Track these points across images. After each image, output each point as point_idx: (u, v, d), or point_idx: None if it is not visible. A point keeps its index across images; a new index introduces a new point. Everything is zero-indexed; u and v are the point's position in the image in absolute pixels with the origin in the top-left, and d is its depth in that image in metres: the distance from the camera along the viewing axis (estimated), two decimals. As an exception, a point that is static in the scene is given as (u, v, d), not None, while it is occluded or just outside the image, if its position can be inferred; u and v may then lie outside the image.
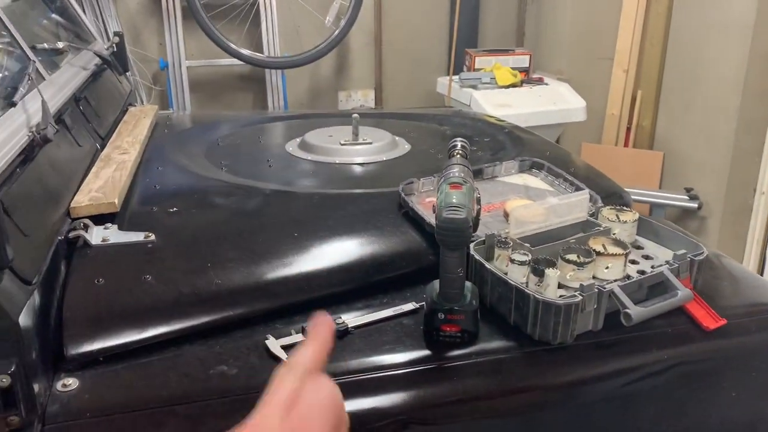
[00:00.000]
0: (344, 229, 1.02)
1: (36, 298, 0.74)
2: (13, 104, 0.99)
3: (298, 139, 1.53)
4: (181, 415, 0.71)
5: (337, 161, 1.41)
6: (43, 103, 1.03)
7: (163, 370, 0.77)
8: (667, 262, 0.92)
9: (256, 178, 1.26)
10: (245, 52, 3.27)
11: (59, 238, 0.91)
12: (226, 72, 3.59)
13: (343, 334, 0.85)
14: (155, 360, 0.79)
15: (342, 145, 1.45)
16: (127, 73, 1.96)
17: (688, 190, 2.87)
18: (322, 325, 0.54)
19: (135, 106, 1.76)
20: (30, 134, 0.96)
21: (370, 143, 1.46)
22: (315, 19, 3.46)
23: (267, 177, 1.31)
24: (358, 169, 1.40)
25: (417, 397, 0.78)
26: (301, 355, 0.51)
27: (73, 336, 0.77)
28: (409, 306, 0.91)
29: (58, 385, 0.73)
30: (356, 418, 0.74)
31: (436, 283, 0.84)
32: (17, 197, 0.84)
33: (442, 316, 0.83)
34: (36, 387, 0.69)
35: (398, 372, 0.80)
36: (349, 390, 0.76)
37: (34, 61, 1.19)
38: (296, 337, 0.83)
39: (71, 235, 0.94)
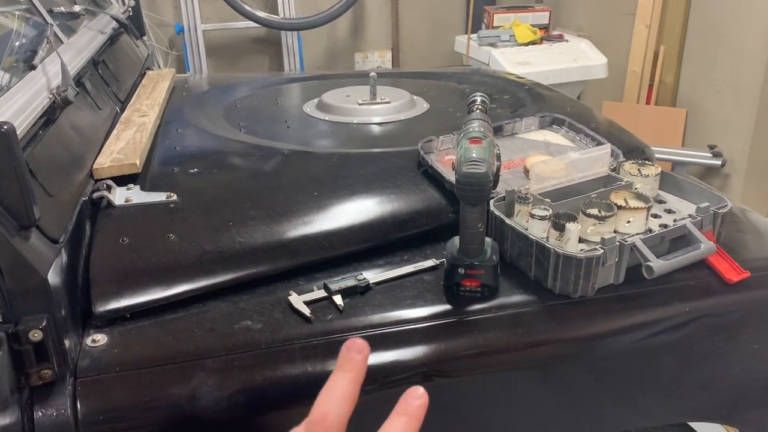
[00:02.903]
0: (364, 188, 1.02)
1: (63, 256, 0.76)
2: (33, 67, 1.00)
3: (315, 100, 1.52)
4: (208, 368, 0.73)
5: (355, 121, 1.41)
6: (63, 65, 1.03)
7: (189, 326, 0.79)
8: (690, 216, 0.92)
9: (275, 139, 1.26)
10: (261, 14, 3.24)
11: (83, 198, 0.92)
12: (241, 35, 3.57)
13: (365, 290, 0.86)
14: (181, 316, 0.80)
15: (360, 104, 1.44)
16: (144, 38, 1.96)
17: (711, 147, 2.82)
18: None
19: (153, 70, 1.76)
20: (51, 96, 0.97)
21: (388, 102, 1.45)
22: (330, -22, 3.41)
23: (285, 138, 1.31)
24: (376, 128, 1.39)
25: (438, 350, 0.79)
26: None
27: (100, 293, 0.79)
28: (430, 262, 0.92)
29: (88, 341, 0.75)
30: (379, 370, 0.76)
31: (457, 239, 0.85)
32: (41, 158, 0.85)
33: (463, 271, 0.83)
34: (66, 342, 0.70)
35: (419, 326, 0.81)
36: (372, 344, 0.77)
37: (52, 25, 1.19)
38: (318, 293, 0.84)
39: (95, 195, 0.95)
